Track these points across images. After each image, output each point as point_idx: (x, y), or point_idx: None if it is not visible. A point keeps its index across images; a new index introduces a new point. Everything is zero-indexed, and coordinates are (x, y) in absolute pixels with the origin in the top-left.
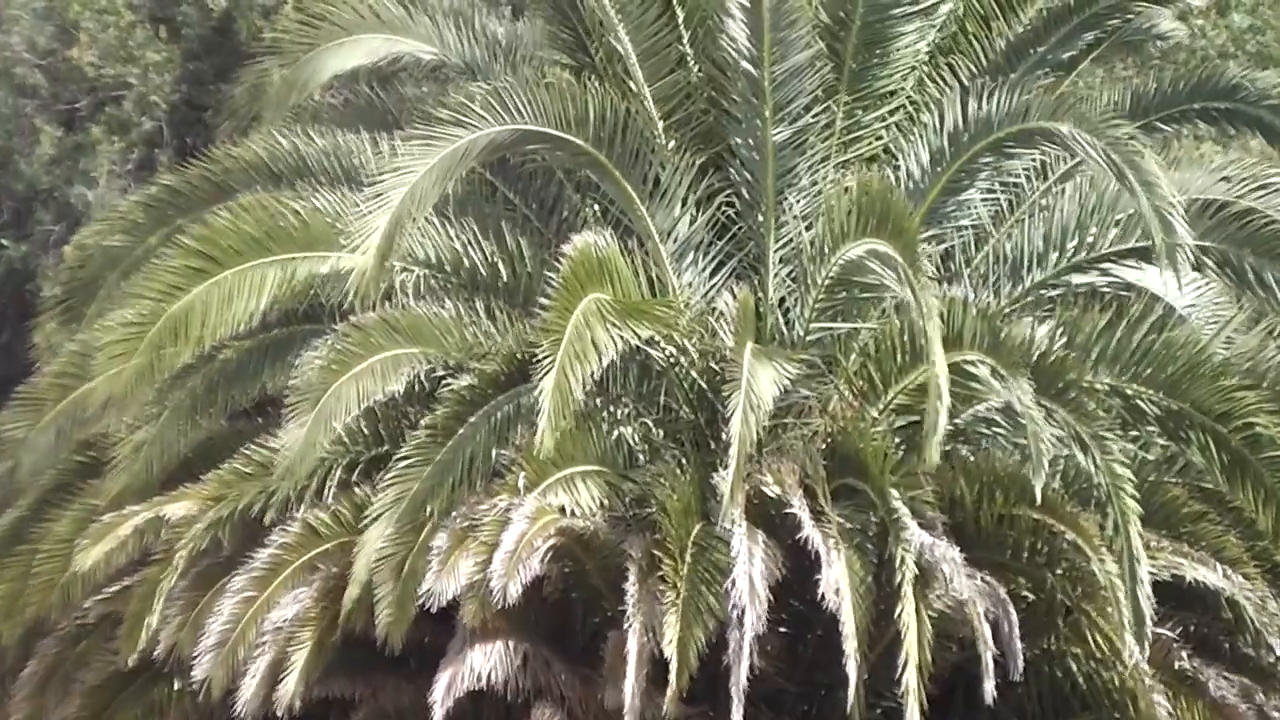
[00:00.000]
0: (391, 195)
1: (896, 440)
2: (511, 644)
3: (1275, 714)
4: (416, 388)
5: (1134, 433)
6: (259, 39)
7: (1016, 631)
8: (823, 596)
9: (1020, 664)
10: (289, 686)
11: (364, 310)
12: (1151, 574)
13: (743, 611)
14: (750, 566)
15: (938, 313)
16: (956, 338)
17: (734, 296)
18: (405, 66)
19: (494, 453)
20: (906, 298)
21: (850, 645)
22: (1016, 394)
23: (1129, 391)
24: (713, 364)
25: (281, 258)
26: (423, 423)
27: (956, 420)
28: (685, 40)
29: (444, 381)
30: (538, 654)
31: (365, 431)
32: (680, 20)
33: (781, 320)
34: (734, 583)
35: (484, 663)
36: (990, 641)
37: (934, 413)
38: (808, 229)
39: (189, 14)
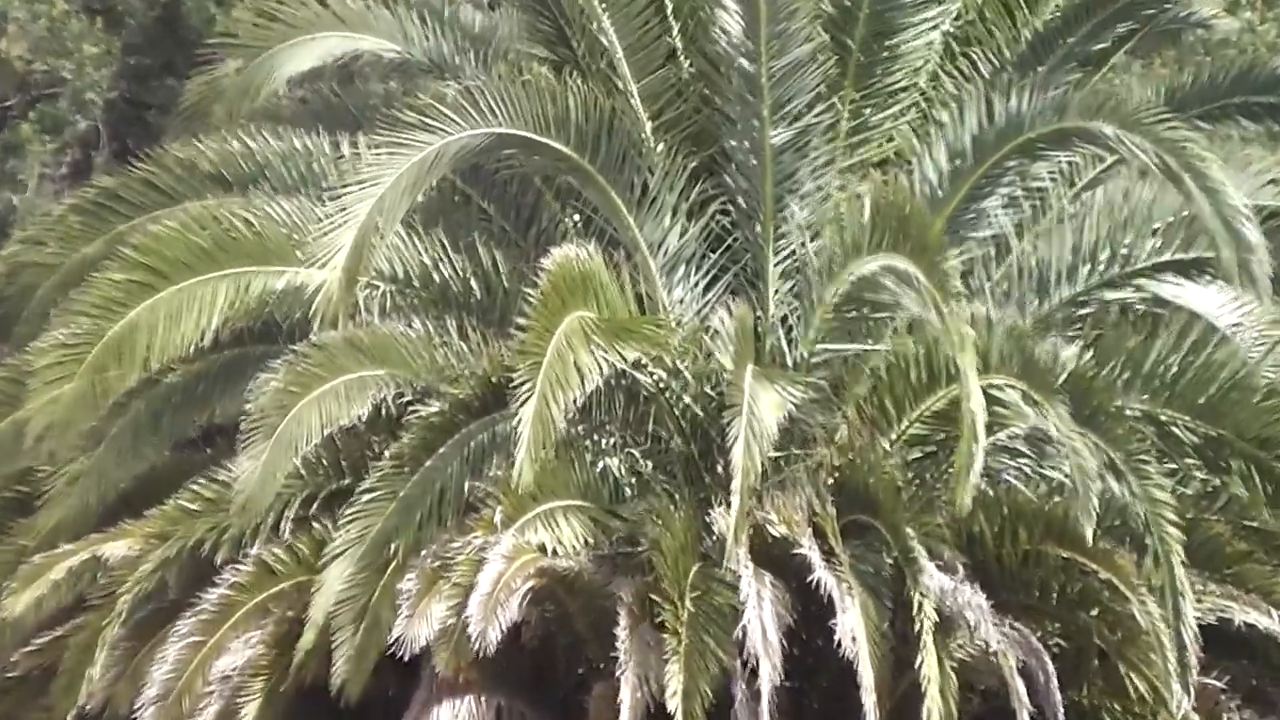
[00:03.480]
0: (357, 208)
1: (910, 473)
2: (484, 698)
3: None
4: (382, 413)
5: (1170, 464)
6: (208, 31)
7: (1055, 683)
8: (836, 644)
9: (1060, 718)
10: None
11: (325, 329)
12: (1195, 618)
13: (756, 662)
14: (761, 611)
15: (971, 340)
16: (982, 360)
17: (730, 314)
18: (369, 62)
19: (467, 485)
20: (931, 321)
21: (869, 699)
22: (1052, 421)
23: (1164, 417)
24: (708, 388)
25: (234, 271)
26: (388, 452)
27: None
28: (675, 33)
29: (412, 407)
30: (513, 708)
31: (325, 462)
32: (669, 10)
33: (783, 340)
34: (745, 630)
35: (451, 718)
36: (1025, 696)
37: (968, 452)
38: (812, 240)
39: (130, 2)
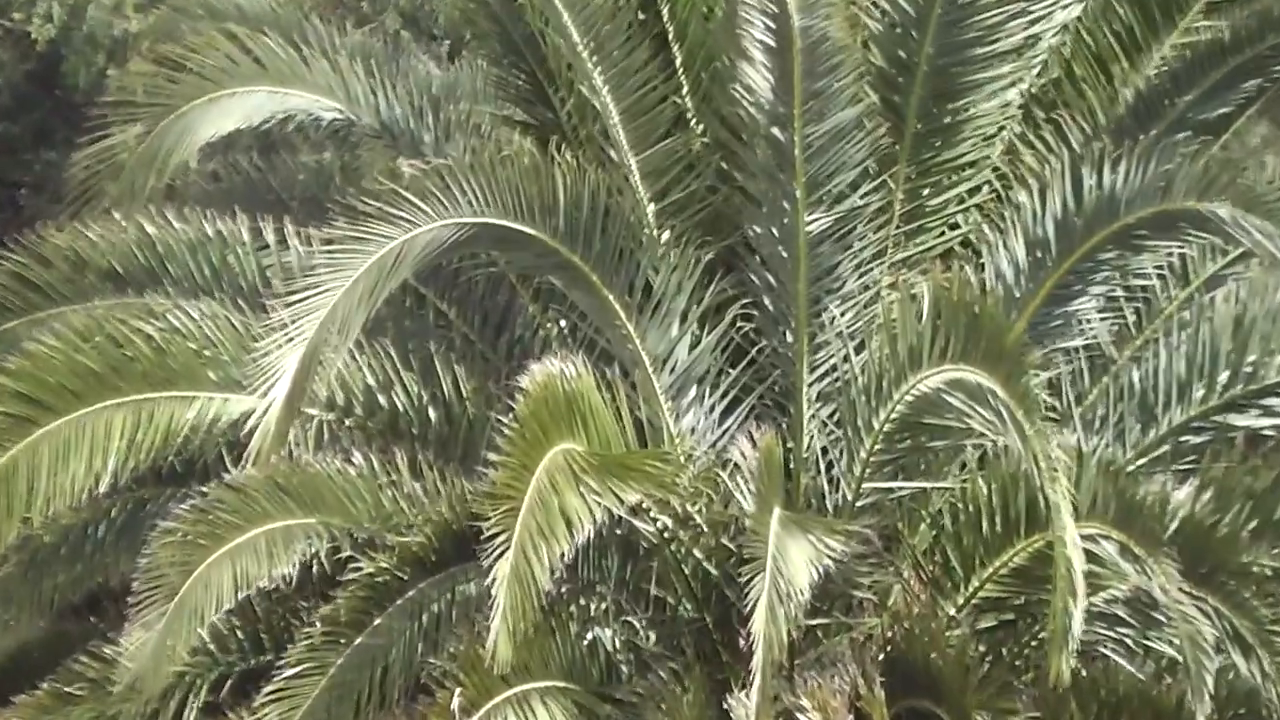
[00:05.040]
0: (304, 324)
1: (981, 646)
2: None
3: None
4: (314, 571)
5: None
6: (96, 90)
7: None
8: None
9: None
10: None
11: (241, 466)
12: None
13: None
14: None
15: (1063, 464)
16: (1072, 503)
17: (754, 445)
18: (300, 126)
19: (419, 661)
20: (1010, 443)
21: None
22: (1158, 581)
23: None
24: (725, 539)
25: (133, 399)
26: (320, 618)
27: None
28: (685, 92)
29: (351, 563)
30: None
31: (240, 633)
32: (678, 64)
33: (821, 478)
34: None
35: None
36: None
37: (1064, 609)
38: (857, 351)
39: None
